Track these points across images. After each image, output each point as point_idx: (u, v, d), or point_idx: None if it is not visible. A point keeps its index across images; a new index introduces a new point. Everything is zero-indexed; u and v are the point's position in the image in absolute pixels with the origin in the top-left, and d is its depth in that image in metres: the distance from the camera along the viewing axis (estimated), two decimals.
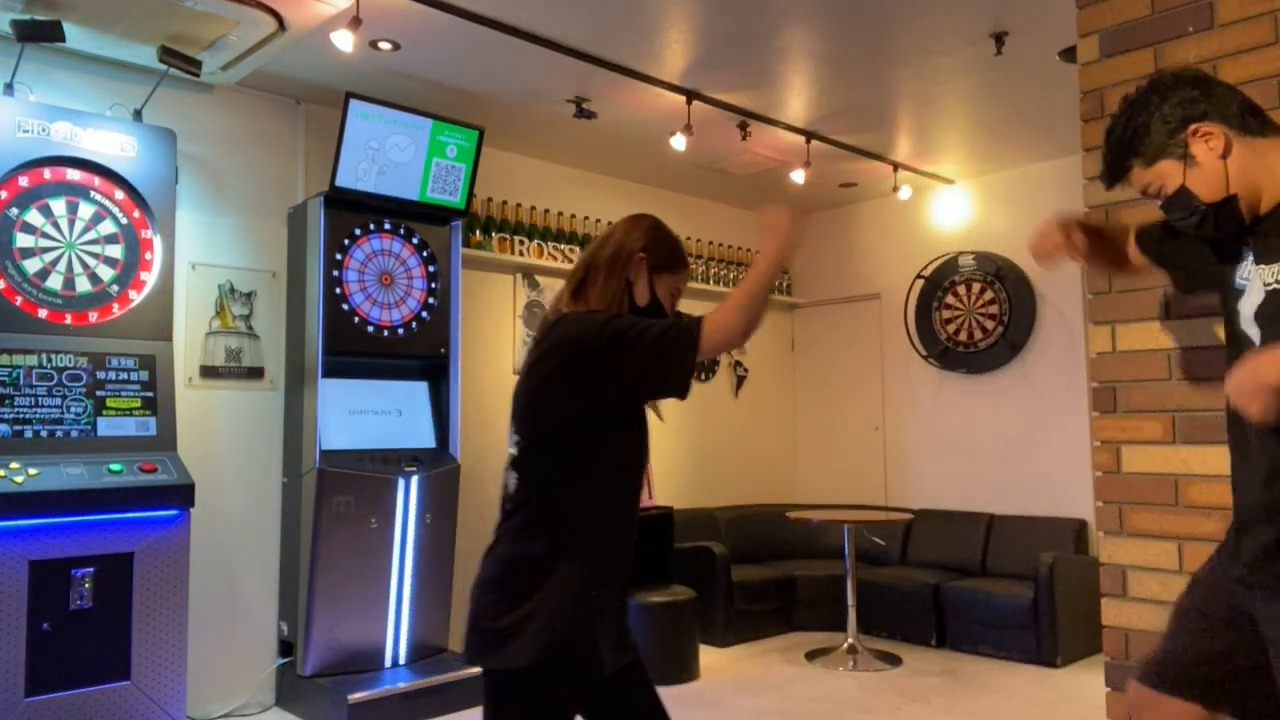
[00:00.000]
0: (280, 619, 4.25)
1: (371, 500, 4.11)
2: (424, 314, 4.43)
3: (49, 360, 3.37)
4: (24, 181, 3.40)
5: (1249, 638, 1.61)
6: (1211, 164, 1.56)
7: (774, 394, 6.72)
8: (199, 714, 3.94)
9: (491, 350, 5.18)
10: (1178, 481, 2.23)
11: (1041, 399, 5.58)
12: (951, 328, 5.97)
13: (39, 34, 3.32)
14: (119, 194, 3.60)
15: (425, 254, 4.47)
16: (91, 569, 3.26)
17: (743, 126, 4.81)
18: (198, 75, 3.80)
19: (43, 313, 3.40)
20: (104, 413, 3.45)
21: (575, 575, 1.78)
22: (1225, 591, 1.66)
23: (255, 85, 4.22)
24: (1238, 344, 1.63)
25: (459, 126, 4.42)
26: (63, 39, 3.39)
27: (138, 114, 3.75)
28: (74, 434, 3.37)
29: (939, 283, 6.04)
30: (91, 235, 3.54)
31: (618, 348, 1.73)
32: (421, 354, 4.45)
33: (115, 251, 3.58)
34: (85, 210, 3.53)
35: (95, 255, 3.54)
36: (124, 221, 3.61)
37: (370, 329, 4.24)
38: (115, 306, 3.56)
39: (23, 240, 3.38)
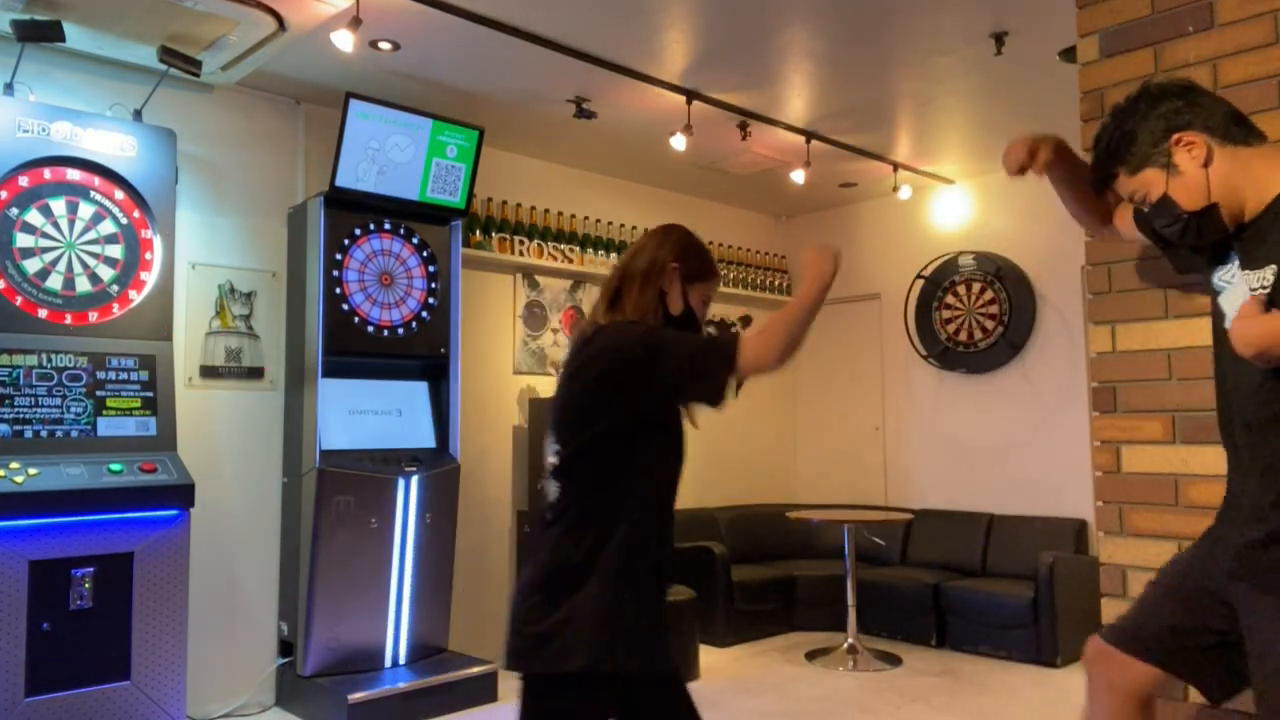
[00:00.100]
0: (280, 619, 4.25)
1: (371, 500, 4.11)
2: (424, 314, 4.44)
3: (49, 360, 3.37)
4: (24, 181, 3.40)
5: (1219, 618, 1.66)
6: (1193, 172, 1.59)
7: (774, 394, 6.71)
8: (199, 714, 3.94)
9: (491, 350, 5.18)
10: (1178, 481, 2.23)
11: (1041, 399, 5.58)
12: (951, 328, 5.97)
13: (39, 34, 3.32)
14: (119, 194, 3.60)
15: (425, 254, 4.47)
16: (91, 569, 3.26)
17: (743, 126, 4.81)
18: (198, 75, 3.80)
19: (43, 313, 3.40)
20: (104, 413, 3.45)
21: (614, 580, 1.80)
22: (1206, 576, 1.70)
23: (255, 85, 4.22)
24: (1223, 342, 1.66)
25: (459, 126, 4.42)
26: (63, 39, 3.39)
27: (138, 114, 3.75)
28: (74, 434, 3.37)
29: (939, 283, 6.04)
30: (91, 235, 3.54)
31: (655, 359, 1.77)
32: (421, 354, 4.45)
33: (115, 251, 3.58)
34: (85, 210, 3.53)
35: (95, 255, 3.54)
36: (124, 221, 3.61)
37: (370, 329, 4.24)
38: (115, 306, 3.56)
39: (23, 240, 3.38)
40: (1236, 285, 1.61)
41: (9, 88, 3.45)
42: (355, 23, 3.42)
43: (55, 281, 3.44)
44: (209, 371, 4.14)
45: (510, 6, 3.56)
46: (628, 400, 1.81)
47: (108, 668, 3.28)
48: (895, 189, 5.71)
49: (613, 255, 5.68)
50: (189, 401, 3.99)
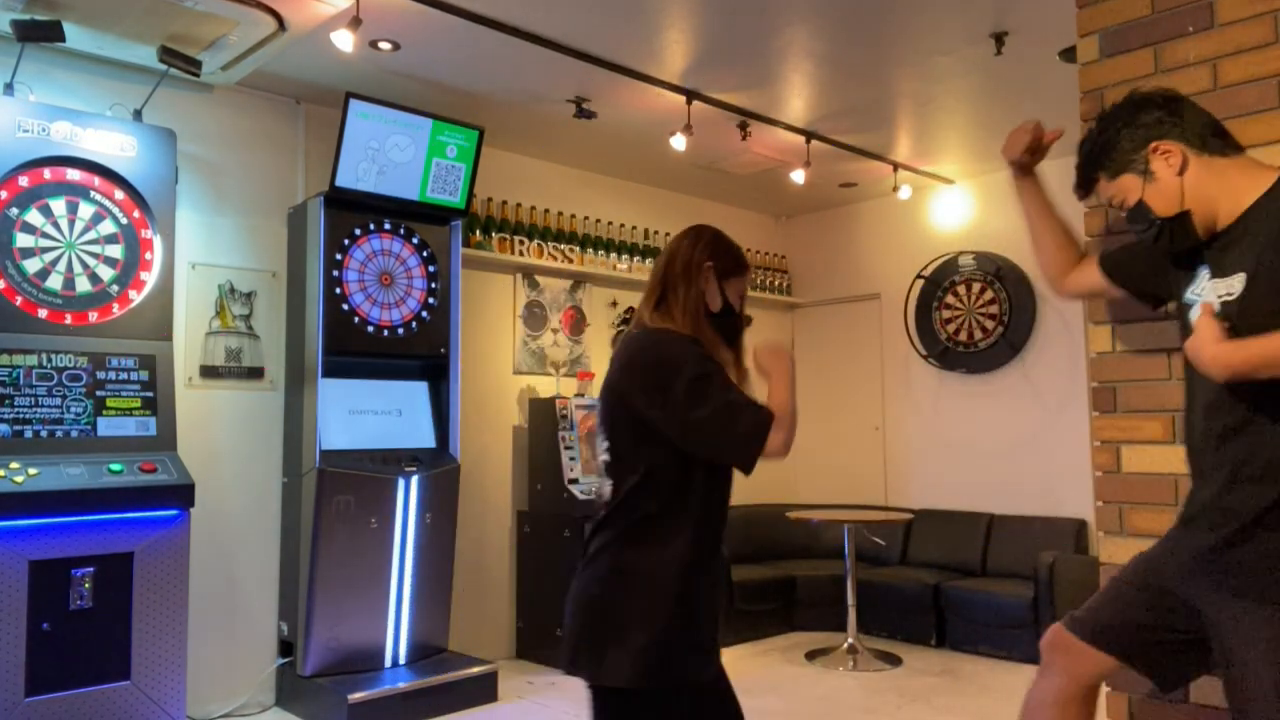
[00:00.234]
0: (280, 619, 4.25)
1: (371, 500, 4.11)
2: (424, 314, 4.43)
3: (49, 360, 3.37)
4: (24, 181, 3.40)
5: (1181, 618, 1.72)
6: (1169, 180, 1.65)
7: None
8: (199, 714, 3.94)
9: (491, 350, 5.18)
10: (1177, 481, 2.22)
11: (1041, 399, 5.58)
12: (951, 328, 5.97)
13: (39, 34, 3.32)
14: (119, 194, 3.60)
15: (425, 254, 4.47)
16: (91, 569, 3.26)
17: (743, 126, 4.81)
18: (198, 75, 3.80)
19: (43, 313, 3.40)
20: (104, 413, 3.45)
21: (682, 587, 1.84)
22: (1168, 576, 1.76)
23: (255, 85, 4.22)
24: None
25: (459, 126, 4.42)
26: (63, 39, 3.39)
27: (138, 114, 3.75)
28: (74, 434, 3.37)
29: (939, 283, 6.04)
30: (91, 235, 3.54)
31: (691, 404, 1.81)
32: (421, 354, 4.45)
33: (115, 251, 3.58)
34: (85, 210, 3.53)
35: (95, 255, 3.54)
36: (124, 221, 3.61)
37: (370, 329, 4.24)
38: (115, 306, 3.56)
39: (23, 240, 3.38)
40: (1206, 297, 1.65)
41: (9, 88, 3.45)
42: (355, 23, 3.42)
43: (55, 281, 3.44)
44: (209, 371, 4.14)
45: (510, 6, 3.56)
46: (655, 426, 1.87)
47: (108, 668, 3.28)
48: (895, 189, 5.71)
49: (613, 255, 5.68)
50: (189, 401, 3.99)
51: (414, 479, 4.23)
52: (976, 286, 5.83)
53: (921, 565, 5.70)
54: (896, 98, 4.52)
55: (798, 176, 5.19)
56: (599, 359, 5.64)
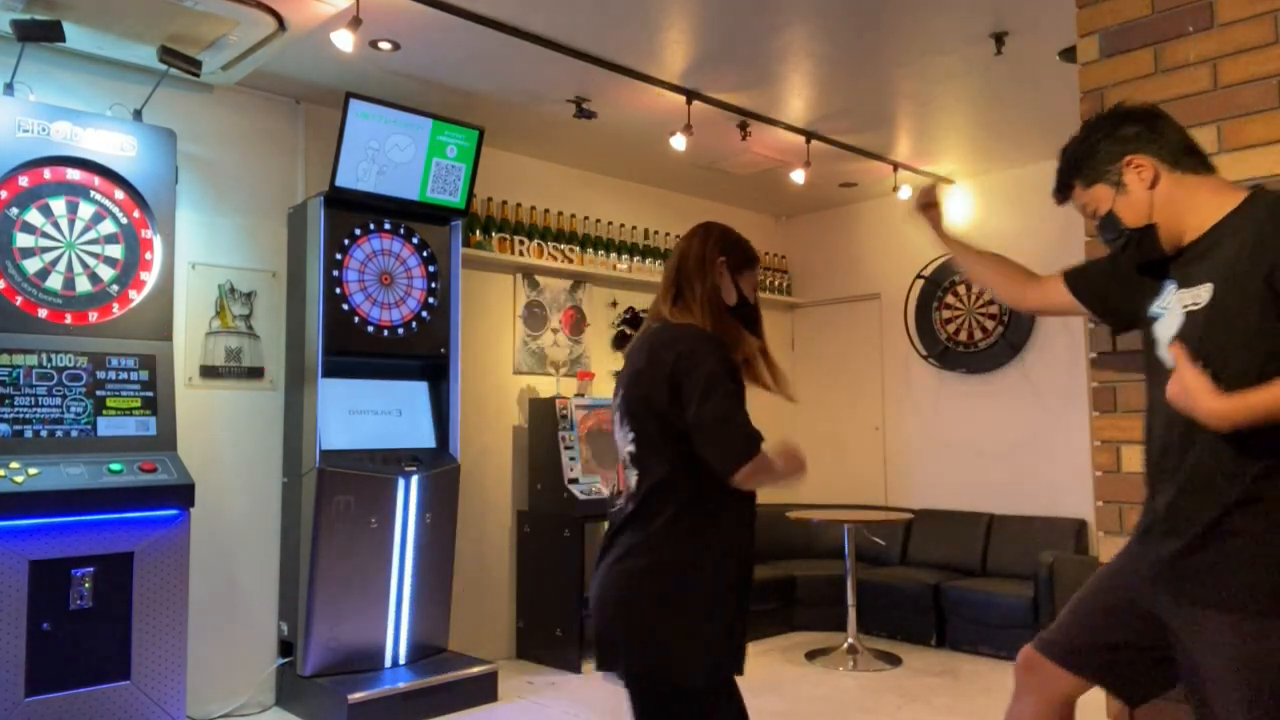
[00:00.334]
0: (280, 619, 4.25)
1: (371, 500, 4.11)
2: (424, 314, 4.43)
3: (49, 360, 3.37)
4: (24, 181, 3.39)
5: (1148, 635, 1.73)
6: (1139, 193, 1.71)
7: (774, 394, 6.70)
8: (199, 714, 3.94)
9: (491, 350, 5.18)
10: None
11: (1041, 399, 5.58)
12: (951, 327, 5.97)
13: (39, 34, 3.32)
14: (119, 194, 3.60)
15: (425, 254, 4.47)
16: (91, 569, 3.26)
17: (743, 126, 4.81)
18: (198, 75, 3.79)
19: (43, 313, 3.40)
20: (104, 412, 3.45)
21: (716, 582, 1.86)
22: (1131, 587, 1.78)
23: (255, 85, 4.22)
24: (1155, 370, 1.74)
25: (459, 126, 4.42)
26: (63, 39, 3.39)
27: (138, 114, 3.74)
28: (74, 434, 3.37)
29: (939, 282, 6.04)
30: (91, 235, 3.54)
31: (701, 394, 1.85)
32: (421, 354, 4.45)
33: (115, 251, 3.58)
34: (85, 210, 3.53)
35: (95, 255, 3.54)
36: (124, 221, 3.61)
37: (370, 329, 4.24)
38: (115, 306, 3.56)
39: (23, 240, 3.38)
40: (1171, 310, 1.69)
41: (9, 88, 3.45)
42: (355, 23, 3.42)
43: (55, 281, 3.44)
44: (209, 371, 4.13)
45: (510, 6, 3.56)
46: (673, 409, 1.90)
47: (108, 668, 3.28)
48: (895, 189, 5.71)
49: (613, 255, 5.68)
50: (189, 401, 3.99)
51: (414, 479, 4.23)
52: (976, 287, 5.83)
53: (921, 565, 5.70)
54: (896, 98, 4.52)
55: (798, 176, 5.19)
56: (599, 359, 5.64)
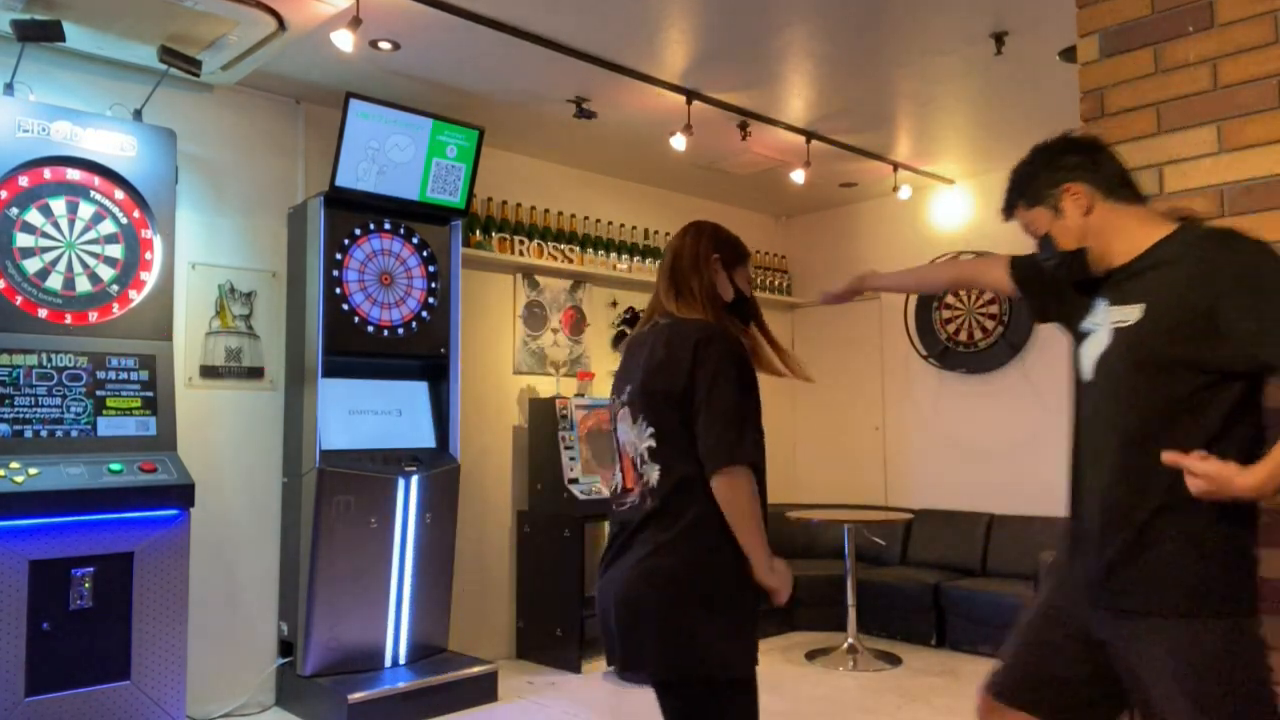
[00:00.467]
0: (280, 619, 4.25)
1: (371, 500, 4.11)
2: (424, 314, 4.43)
3: (49, 360, 3.37)
4: (24, 181, 3.39)
5: (1094, 664, 1.76)
6: (1074, 219, 1.81)
7: (774, 394, 6.69)
8: (199, 714, 3.94)
9: (491, 350, 5.18)
10: None
11: (1041, 399, 5.58)
12: (951, 328, 5.96)
13: (39, 34, 3.32)
14: (119, 194, 3.60)
15: (425, 254, 4.47)
16: (91, 569, 3.26)
17: (743, 126, 4.81)
18: (198, 75, 3.79)
19: (43, 312, 3.40)
20: (104, 412, 3.45)
21: (738, 572, 1.88)
22: (1069, 614, 1.81)
23: (255, 85, 4.22)
24: (1080, 384, 1.86)
25: (459, 126, 4.42)
26: (63, 39, 3.39)
27: (138, 114, 3.75)
28: (74, 434, 3.37)
29: None
30: (91, 235, 3.54)
31: (710, 390, 1.88)
32: (421, 354, 4.45)
33: (115, 251, 3.58)
34: (85, 210, 3.53)
35: (95, 255, 3.54)
36: (124, 221, 3.61)
37: (370, 329, 4.24)
38: (115, 306, 3.56)
39: (23, 240, 3.38)
40: (1102, 327, 1.78)
41: (9, 88, 3.45)
42: (355, 23, 3.42)
43: (55, 281, 3.44)
44: (209, 371, 4.13)
45: (510, 6, 3.56)
46: (686, 399, 1.93)
47: (108, 668, 3.28)
48: (895, 189, 5.71)
49: (613, 255, 5.68)
50: (189, 401, 3.99)
51: (414, 479, 4.23)
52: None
53: (921, 565, 5.70)
54: (896, 98, 4.52)
55: (798, 176, 5.19)
56: (599, 359, 5.64)
